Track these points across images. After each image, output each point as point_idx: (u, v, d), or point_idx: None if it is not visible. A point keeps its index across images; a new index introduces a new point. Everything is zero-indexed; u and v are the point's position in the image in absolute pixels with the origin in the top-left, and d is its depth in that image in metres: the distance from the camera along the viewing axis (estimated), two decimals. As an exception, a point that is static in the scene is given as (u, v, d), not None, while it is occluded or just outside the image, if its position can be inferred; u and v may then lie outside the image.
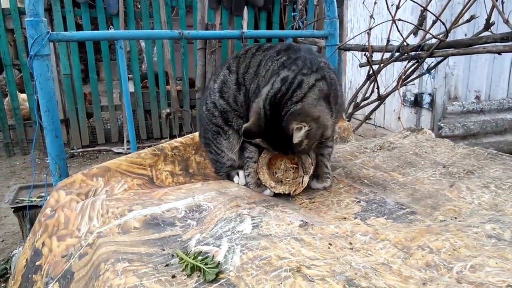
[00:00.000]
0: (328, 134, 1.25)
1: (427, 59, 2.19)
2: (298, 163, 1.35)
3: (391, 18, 2.17)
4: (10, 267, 2.29)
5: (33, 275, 1.12)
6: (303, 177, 1.31)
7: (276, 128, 1.19)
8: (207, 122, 1.46)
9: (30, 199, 2.26)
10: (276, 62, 1.31)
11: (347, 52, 4.54)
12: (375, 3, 2.49)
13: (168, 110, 4.99)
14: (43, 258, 1.12)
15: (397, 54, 2.22)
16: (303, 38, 3.05)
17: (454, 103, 3.89)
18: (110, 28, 5.21)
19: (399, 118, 2.63)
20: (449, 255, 0.89)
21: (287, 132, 1.15)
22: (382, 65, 2.32)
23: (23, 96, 4.87)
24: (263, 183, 1.33)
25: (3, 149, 4.75)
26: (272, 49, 1.40)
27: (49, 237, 1.16)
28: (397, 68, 3.91)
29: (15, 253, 2.35)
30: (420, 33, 2.45)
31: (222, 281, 0.79)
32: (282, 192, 1.31)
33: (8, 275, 2.29)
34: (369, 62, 2.32)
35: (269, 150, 1.31)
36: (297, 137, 1.14)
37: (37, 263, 1.13)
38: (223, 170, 1.52)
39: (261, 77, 1.33)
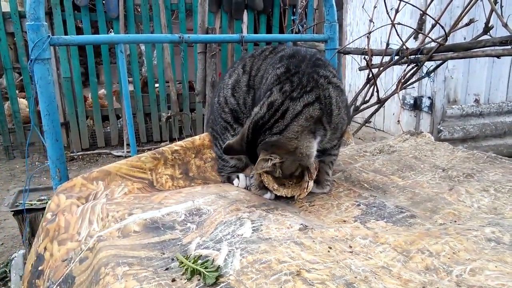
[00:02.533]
0: (307, 162, 1.22)
1: (426, 63, 2.19)
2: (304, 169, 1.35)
3: (391, 22, 2.18)
4: (9, 271, 2.29)
5: (36, 280, 1.12)
6: (308, 182, 1.31)
7: (253, 152, 1.20)
8: (217, 115, 1.46)
9: (29, 202, 2.26)
10: (274, 73, 1.26)
11: (347, 55, 4.55)
12: (375, 7, 2.50)
13: (168, 113, 5.00)
14: (45, 262, 1.12)
15: (396, 57, 2.23)
16: (302, 42, 3.06)
17: (453, 106, 3.90)
18: (110, 32, 5.22)
19: (398, 121, 2.63)
20: (449, 258, 0.89)
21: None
22: (381, 68, 2.32)
23: (24, 100, 4.87)
24: (266, 185, 1.31)
25: (3, 152, 4.76)
26: (279, 52, 1.37)
27: (51, 242, 1.16)
28: (397, 71, 3.92)
29: (15, 256, 2.34)
30: (420, 36, 2.46)
31: (222, 284, 0.79)
32: (284, 195, 1.31)
33: (8, 279, 2.28)
34: (369, 66, 2.33)
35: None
36: (259, 167, 1.15)
37: (39, 268, 1.13)
38: (225, 171, 1.50)
39: (262, 85, 1.31)
